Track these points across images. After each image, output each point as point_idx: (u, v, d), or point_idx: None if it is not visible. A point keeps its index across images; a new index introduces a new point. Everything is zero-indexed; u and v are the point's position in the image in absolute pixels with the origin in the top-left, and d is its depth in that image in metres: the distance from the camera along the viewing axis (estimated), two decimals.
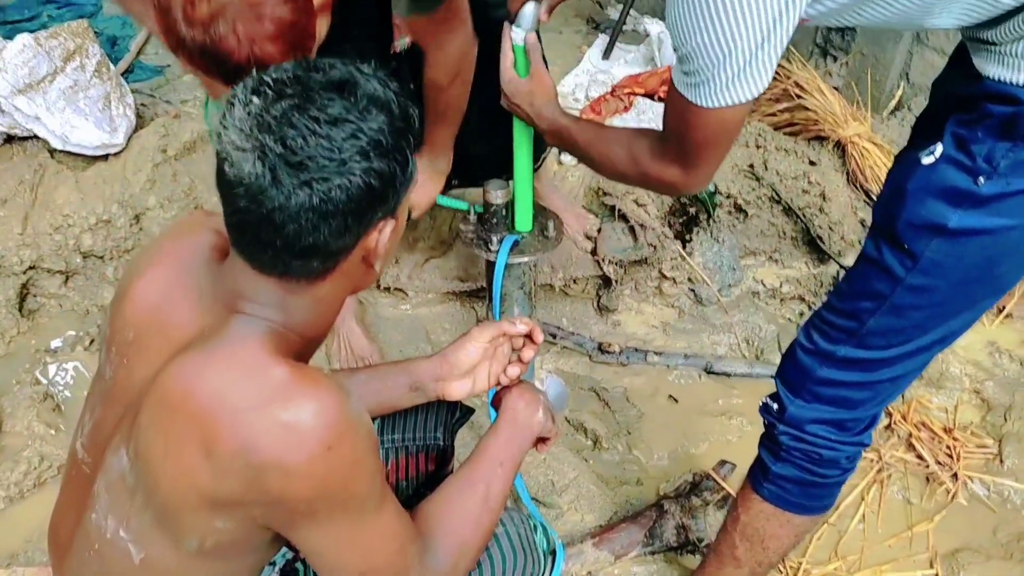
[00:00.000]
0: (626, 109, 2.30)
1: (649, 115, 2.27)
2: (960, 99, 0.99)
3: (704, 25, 0.88)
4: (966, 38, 1.01)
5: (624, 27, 2.56)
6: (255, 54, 0.97)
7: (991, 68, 0.95)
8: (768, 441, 1.22)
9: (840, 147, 2.31)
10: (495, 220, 1.52)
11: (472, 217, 1.56)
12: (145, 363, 0.85)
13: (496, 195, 1.49)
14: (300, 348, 0.85)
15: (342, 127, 0.74)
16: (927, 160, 0.98)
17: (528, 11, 1.24)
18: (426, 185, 1.66)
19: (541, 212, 1.56)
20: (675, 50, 0.95)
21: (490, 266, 1.55)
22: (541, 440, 1.09)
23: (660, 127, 1.09)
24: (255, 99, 0.75)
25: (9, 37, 2.21)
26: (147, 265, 0.91)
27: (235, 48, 0.97)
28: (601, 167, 1.23)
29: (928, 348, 1.09)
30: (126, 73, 2.66)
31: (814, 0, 0.91)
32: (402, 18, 1.40)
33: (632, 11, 2.58)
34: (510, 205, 1.51)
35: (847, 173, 2.28)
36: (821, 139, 2.34)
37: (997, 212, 0.95)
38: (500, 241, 1.49)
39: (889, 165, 2.24)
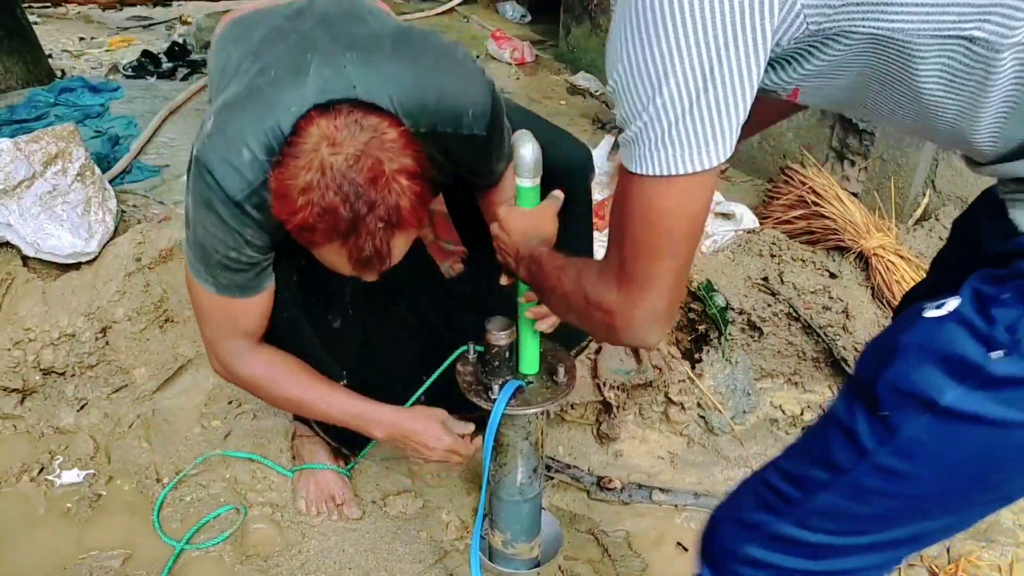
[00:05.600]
0: None
1: None
2: (992, 256, 0.79)
3: (634, 42, 0.71)
4: (1004, 191, 0.82)
5: None
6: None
7: None
8: None
9: (863, 259, 2.14)
10: (497, 363, 1.32)
11: (472, 357, 1.37)
12: None
13: (499, 336, 1.29)
14: None
15: None
16: (932, 313, 0.76)
17: (529, 155, 1.16)
18: None
19: (551, 353, 1.37)
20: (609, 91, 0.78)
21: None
22: None
23: None
24: None
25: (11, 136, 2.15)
26: None
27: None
28: (550, 294, 1.02)
29: (892, 545, 0.85)
30: (124, 173, 2.59)
31: (791, 58, 0.75)
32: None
33: None
34: (515, 345, 1.32)
35: (872, 288, 2.09)
36: (841, 249, 2.18)
37: (1008, 401, 0.72)
38: (502, 387, 1.29)
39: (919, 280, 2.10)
